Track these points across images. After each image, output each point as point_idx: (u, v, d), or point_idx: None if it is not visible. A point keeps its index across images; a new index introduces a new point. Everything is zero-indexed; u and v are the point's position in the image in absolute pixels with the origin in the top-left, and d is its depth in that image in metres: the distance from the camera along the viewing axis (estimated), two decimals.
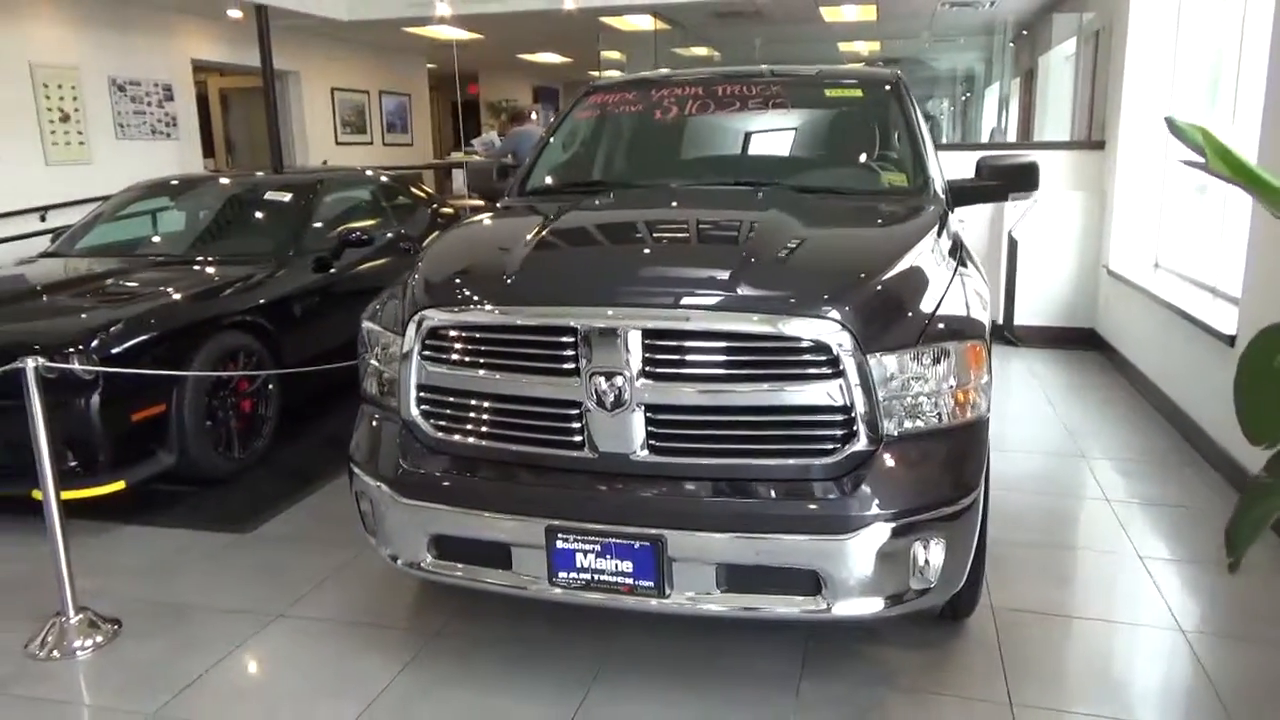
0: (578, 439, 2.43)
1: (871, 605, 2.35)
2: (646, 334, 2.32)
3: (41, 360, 2.99)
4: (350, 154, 12.53)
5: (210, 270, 4.79)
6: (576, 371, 2.38)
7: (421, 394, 2.60)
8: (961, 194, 3.51)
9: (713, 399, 2.32)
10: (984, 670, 2.77)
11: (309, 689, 2.74)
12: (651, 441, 2.38)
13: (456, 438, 2.58)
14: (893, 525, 2.29)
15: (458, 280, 2.64)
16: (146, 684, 2.78)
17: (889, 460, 2.34)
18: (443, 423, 2.59)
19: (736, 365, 2.31)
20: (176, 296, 4.31)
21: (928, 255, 2.69)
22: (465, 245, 2.99)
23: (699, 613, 2.39)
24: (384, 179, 6.62)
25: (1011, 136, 12.92)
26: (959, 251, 3.04)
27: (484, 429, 2.54)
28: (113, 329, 3.92)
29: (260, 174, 6.22)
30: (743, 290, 2.36)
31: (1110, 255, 6.62)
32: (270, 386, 4.66)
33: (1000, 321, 7.22)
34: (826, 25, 11.41)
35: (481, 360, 2.51)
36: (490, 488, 2.49)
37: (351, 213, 5.94)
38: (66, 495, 3.75)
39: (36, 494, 3.79)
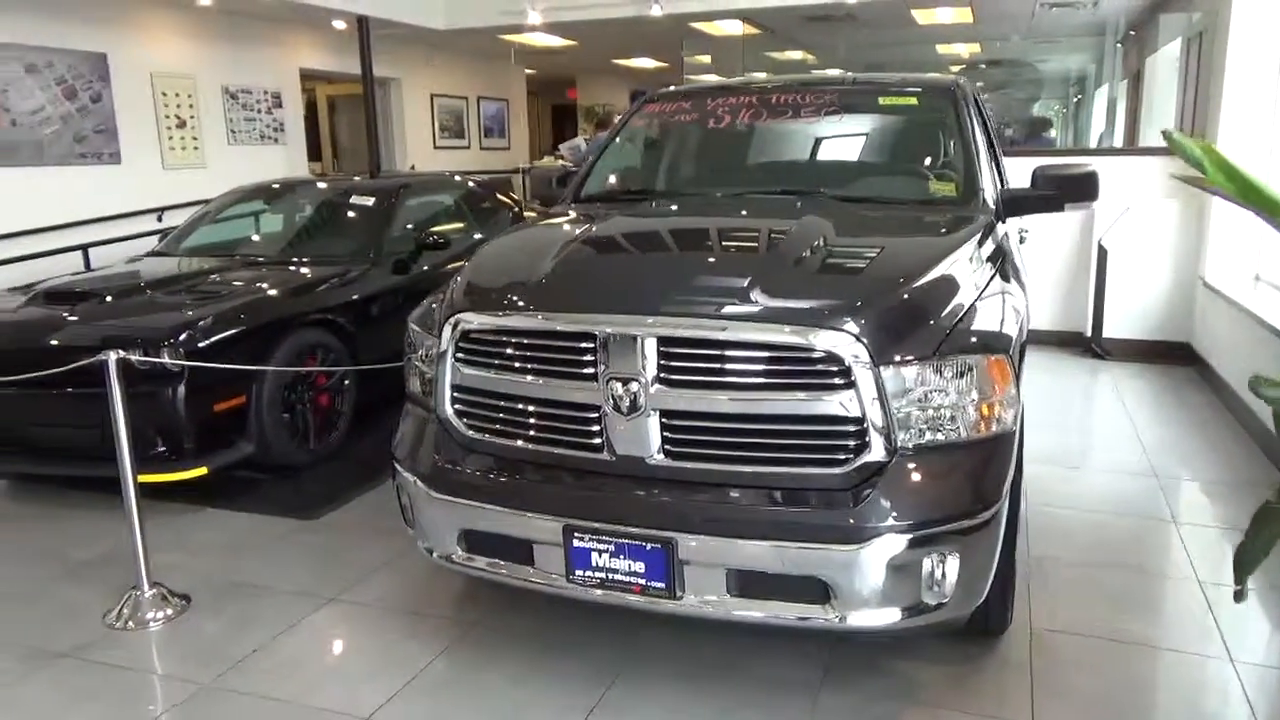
0: (597, 441, 2.51)
1: (886, 617, 2.36)
2: (661, 341, 2.38)
3: (121, 353, 3.23)
4: (447, 158, 12.94)
5: (294, 271, 5.07)
6: (595, 376, 2.46)
7: (455, 394, 2.73)
8: (1016, 204, 3.45)
9: (725, 406, 2.37)
10: (1012, 690, 2.73)
11: (350, 669, 2.90)
12: (667, 446, 2.44)
13: (486, 437, 2.69)
14: (903, 537, 2.29)
15: (490, 285, 2.76)
16: (206, 656, 2.99)
17: (903, 472, 2.34)
18: (474, 422, 2.71)
19: (749, 374, 2.35)
20: (259, 296, 4.59)
21: (958, 267, 2.66)
22: (505, 252, 3.11)
23: (710, 616, 2.44)
24: (470, 184, 6.85)
25: (1118, 141, 12.42)
26: (1002, 264, 3.00)
27: (511, 429, 2.65)
28: (199, 325, 4.20)
29: (356, 179, 6.51)
30: (756, 299, 2.40)
31: (1207, 267, 6.33)
32: (346, 383, 4.90)
33: (1088, 333, 6.99)
34: (921, 28, 11.19)
35: (508, 363, 2.61)
36: (514, 486, 2.59)
37: (434, 217, 6.17)
38: (152, 478, 4.08)
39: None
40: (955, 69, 16.76)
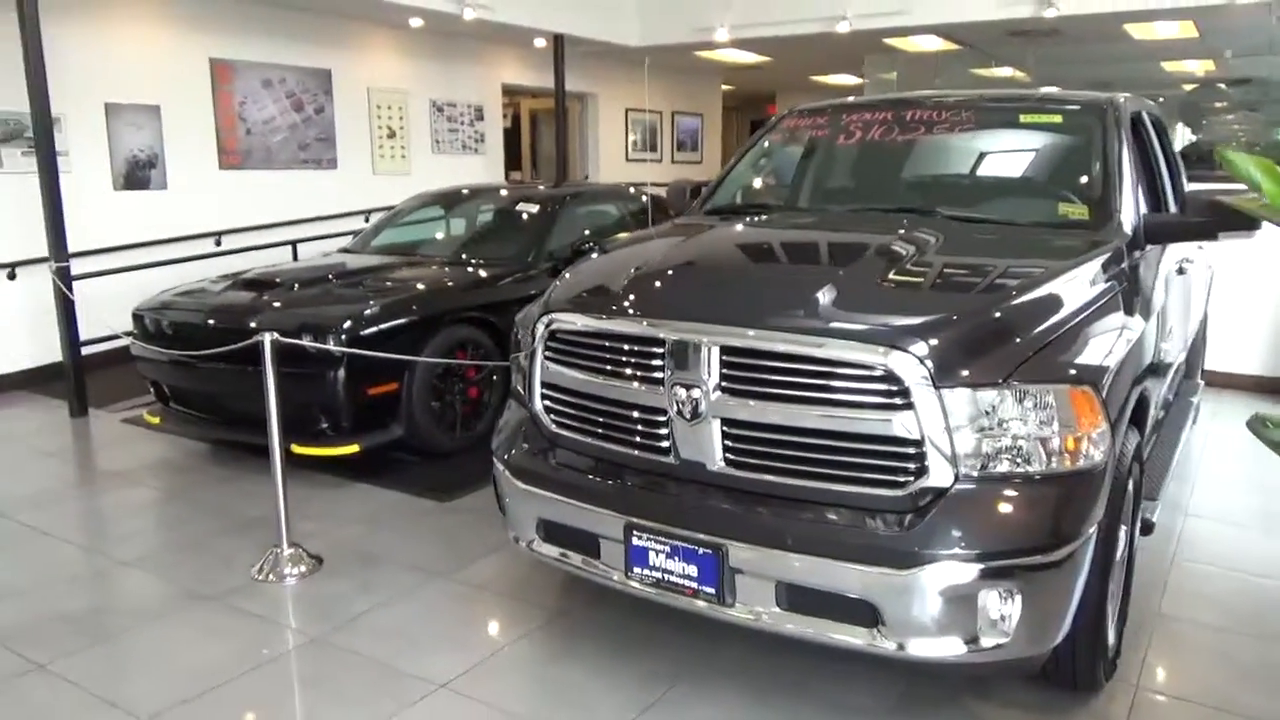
0: (664, 444, 2.58)
1: (940, 648, 2.28)
2: (724, 350, 2.42)
3: (276, 335, 3.62)
4: (640, 170, 13.31)
5: (455, 271, 5.44)
6: (662, 381, 2.53)
7: (544, 390, 2.88)
8: (1161, 230, 3.21)
9: (785, 419, 2.37)
10: None
11: (439, 640, 3.11)
12: (728, 455, 2.47)
13: (568, 433, 2.83)
14: (957, 567, 2.21)
15: (581, 288, 2.89)
16: (322, 612, 3.30)
17: (964, 500, 2.25)
18: (559, 418, 2.85)
19: (808, 387, 2.34)
20: (416, 292, 4.97)
21: (1059, 292, 2.53)
22: (605, 258, 3.23)
23: (759, 627, 2.45)
24: (642, 195, 7.05)
25: None
26: (1126, 292, 2.81)
27: (590, 427, 2.77)
28: (362, 316, 4.61)
29: (540, 187, 6.89)
30: (821, 314, 2.39)
31: None
32: (495, 377, 5.20)
33: None
34: (1139, 44, 10.40)
35: (589, 363, 2.73)
36: (586, 481, 2.71)
37: (599, 225, 6.42)
38: (311, 451, 4.52)
39: (296, 448, 4.60)
40: (1188, 88, 15.41)
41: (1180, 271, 3.74)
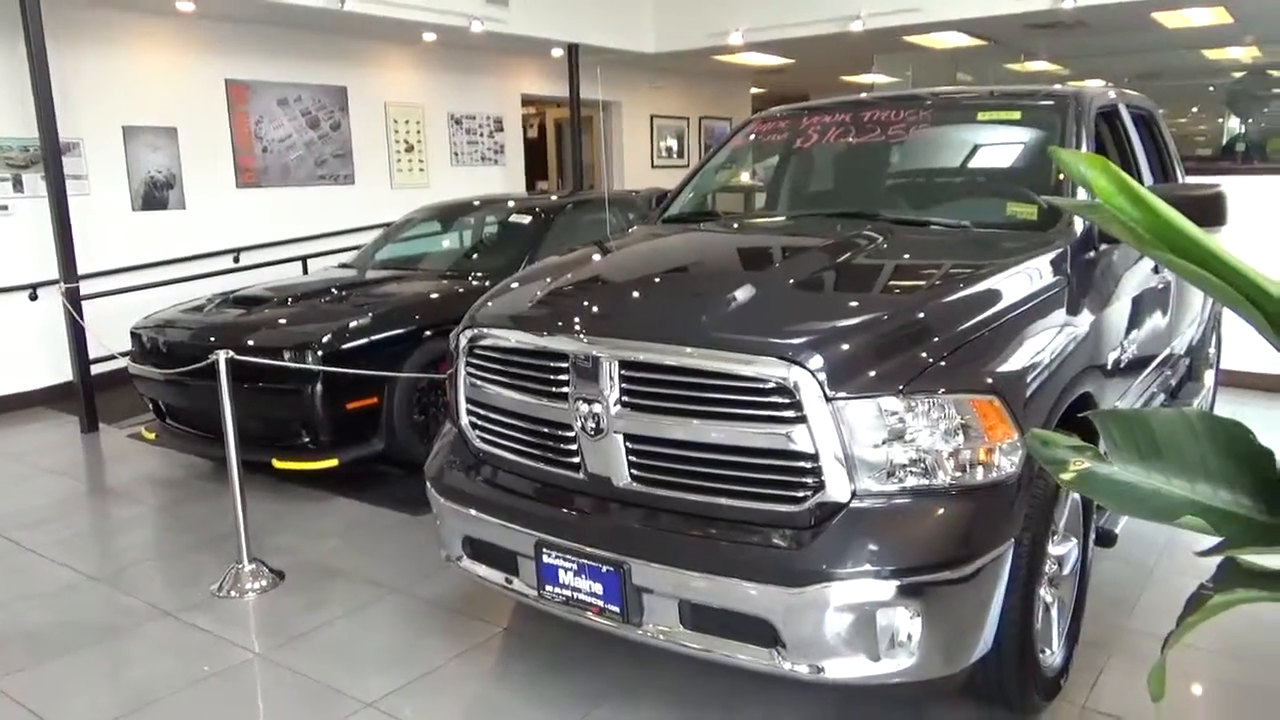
0: (574, 460, 2.54)
1: (838, 669, 2.20)
2: (623, 364, 2.37)
3: (230, 353, 3.66)
4: (665, 177, 13.25)
5: (444, 283, 5.45)
6: (568, 396, 2.49)
7: (469, 406, 2.86)
8: None
9: (683, 433, 2.31)
10: None
11: (377, 656, 3.11)
12: (633, 470, 2.42)
13: (490, 449, 2.80)
14: (851, 584, 2.12)
15: (500, 303, 2.86)
16: (272, 629, 3.32)
17: (861, 515, 2.17)
18: (482, 434, 2.83)
19: (705, 402, 2.28)
20: (396, 306, 5.00)
21: (980, 296, 2.43)
22: (531, 271, 3.20)
23: (664, 646, 2.39)
24: (650, 202, 7.00)
25: None
26: (1068, 294, 2.69)
27: (508, 443, 2.74)
28: (340, 330, 4.65)
29: (548, 197, 6.90)
30: (720, 327, 2.33)
31: None
32: None
33: None
34: (1171, 32, 10.04)
35: (504, 378, 2.70)
36: (502, 498, 2.68)
37: (597, 233, 6.38)
38: (288, 465, 4.58)
39: (277, 462, 4.66)
40: (1237, 75, 14.85)
41: (1157, 270, 3.57)
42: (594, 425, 2.42)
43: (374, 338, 4.75)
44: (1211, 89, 15.61)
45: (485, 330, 2.75)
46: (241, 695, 2.93)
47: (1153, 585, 3.48)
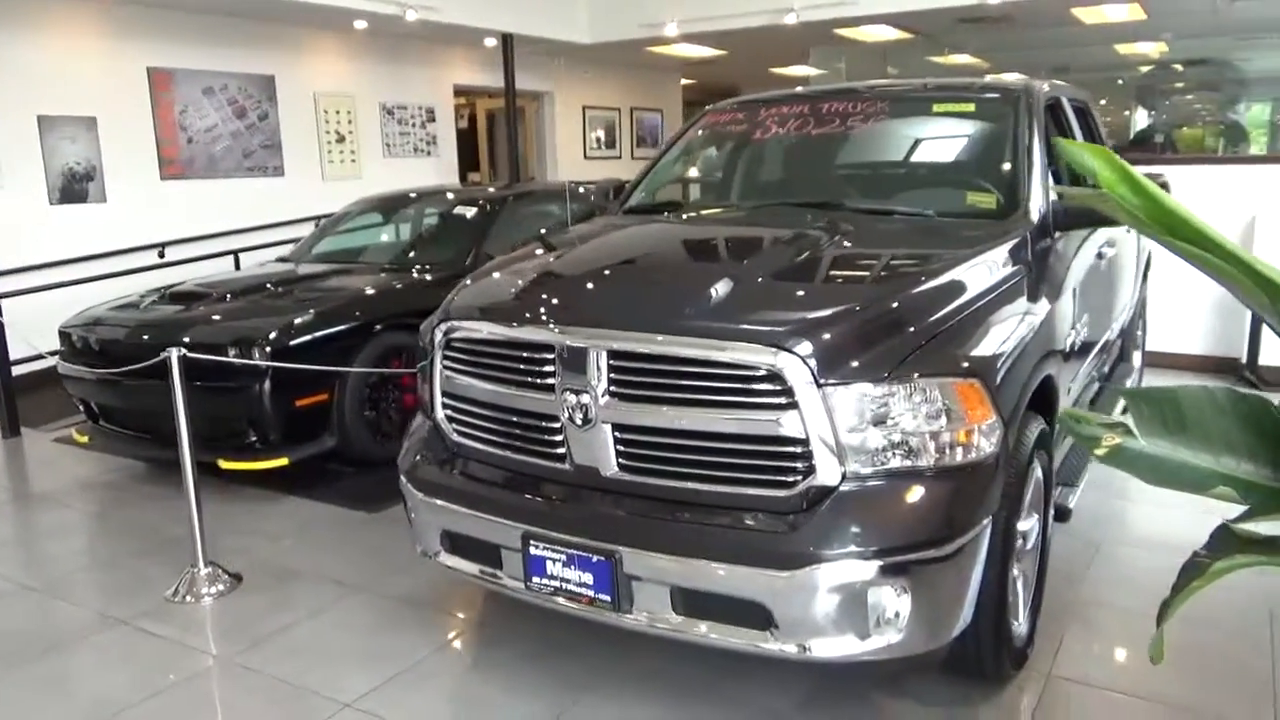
0: (559, 451, 2.53)
1: (835, 648, 2.25)
2: (611, 354, 2.38)
3: (184, 350, 3.54)
4: (599, 168, 13.23)
5: (386, 277, 5.35)
6: (554, 387, 2.48)
7: (445, 399, 2.82)
8: (1071, 217, 3.18)
9: (673, 422, 2.33)
10: None
11: (350, 655, 3.05)
12: (621, 460, 2.43)
13: (468, 442, 2.77)
14: (843, 565, 2.17)
15: (477, 294, 2.84)
16: (234, 633, 3.23)
17: (850, 498, 2.22)
18: (460, 427, 2.80)
19: (695, 390, 2.30)
20: (344, 300, 4.89)
21: (952, 283, 2.50)
22: (505, 263, 3.17)
23: (657, 633, 2.41)
24: (591, 194, 6.97)
25: None
26: (1028, 281, 2.78)
27: (488, 436, 2.71)
28: (290, 326, 4.53)
29: (488, 188, 6.81)
30: (708, 316, 2.35)
31: None
32: None
33: (1244, 360, 6.29)
34: (1090, 27, 10.43)
35: (485, 371, 2.68)
36: (484, 491, 2.66)
37: (539, 225, 6.34)
38: (237, 466, 4.45)
39: (224, 463, 4.52)
40: (1145, 70, 15.50)
41: (1100, 256, 3.72)
42: (582, 416, 2.42)
43: (323, 333, 4.64)
44: (1120, 82, 16.28)
45: (464, 323, 2.72)
46: (212, 702, 2.85)
47: (1100, 559, 3.63)
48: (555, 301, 2.62)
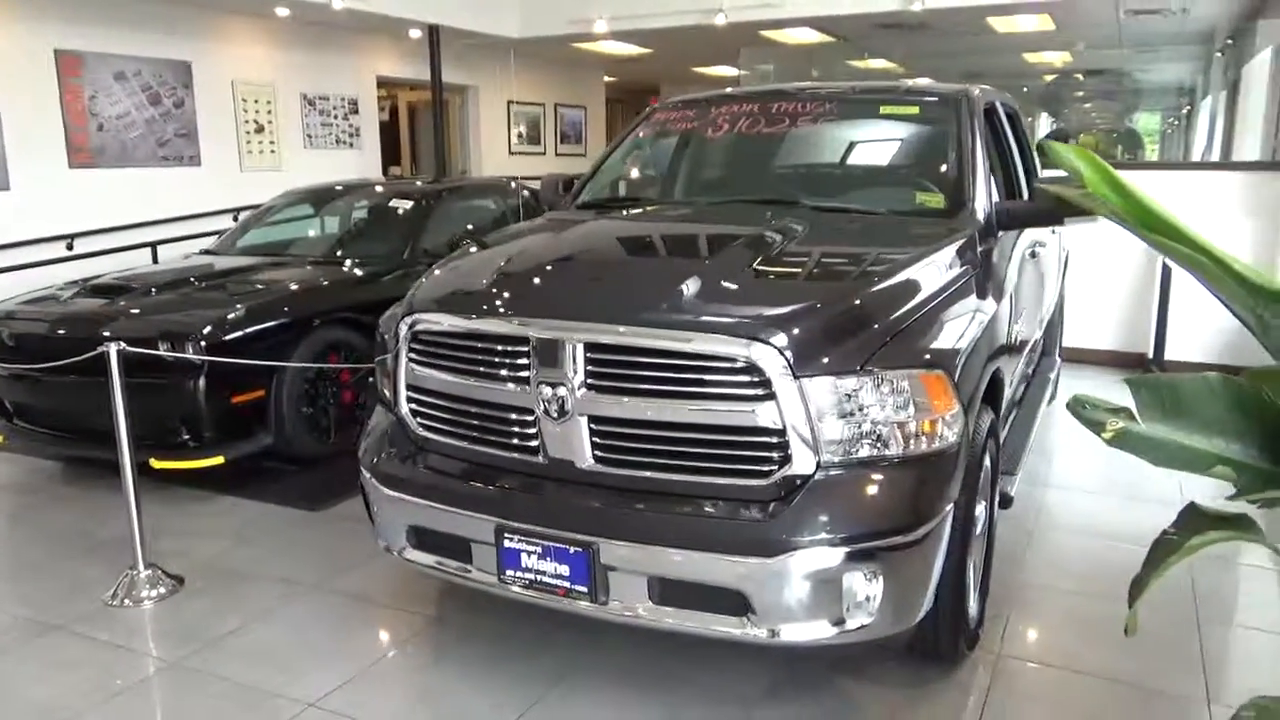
0: (533, 444, 2.54)
1: (807, 632, 2.31)
2: (588, 347, 2.39)
3: (122, 345, 3.41)
4: (523, 164, 13.15)
5: (322, 270, 5.23)
6: (529, 380, 2.48)
7: (410, 393, 2.79)
8: (1012, 217, 3.33)
9: (649, 414, 2.36)
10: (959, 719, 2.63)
11: (310, 655, 2.99)
12: (596, 452, 2.45)
13: (435, 436, 2.75)
14: (819, 552, 2.24)
15: (445, 288, 2.82)
16: (182, 636, 3.13)
17: (825, 487, 2.29)
18: (425, 421, 2.77)
19: (672, 382, 2.34)
20: (280, 294, 4.77)
21: (912, 279, 2.59)
22: (469, 256, 3.16)
23: (634, 623, 2.44)
24: (524, 190, 6.94)
25: (1217, 155, 11.81)
26: (977, 278, 2.90)
27: (457, 429, 2.70)
28: (221, 321, 4.40)
29: (418, 183, 6.70)
30: (685, 309, 2.39)
31: None
32: (370, 379, 5.04)
33: (1150, 355, 6.66)
34: (1002, 36, 10.85)
35: (454, 364, 2.66)
36: (454, 485, 2.64)
37: (476, 220, 6.30)
38: (170, 465, 4.29)
39: (155, 462, 4.35)
40: (1049, 78, 16.21)
41: (1033, 255, 3.89)
42: (558, 409, 2.43)
43: (259, 327, 4.51)
44: (1025, 89, 16.99)
45: (432, 316, 2.69)
46: (169, 706, 2.76)
47: (1034, 543, 3.81)
48: (530, 294, 2.62)
